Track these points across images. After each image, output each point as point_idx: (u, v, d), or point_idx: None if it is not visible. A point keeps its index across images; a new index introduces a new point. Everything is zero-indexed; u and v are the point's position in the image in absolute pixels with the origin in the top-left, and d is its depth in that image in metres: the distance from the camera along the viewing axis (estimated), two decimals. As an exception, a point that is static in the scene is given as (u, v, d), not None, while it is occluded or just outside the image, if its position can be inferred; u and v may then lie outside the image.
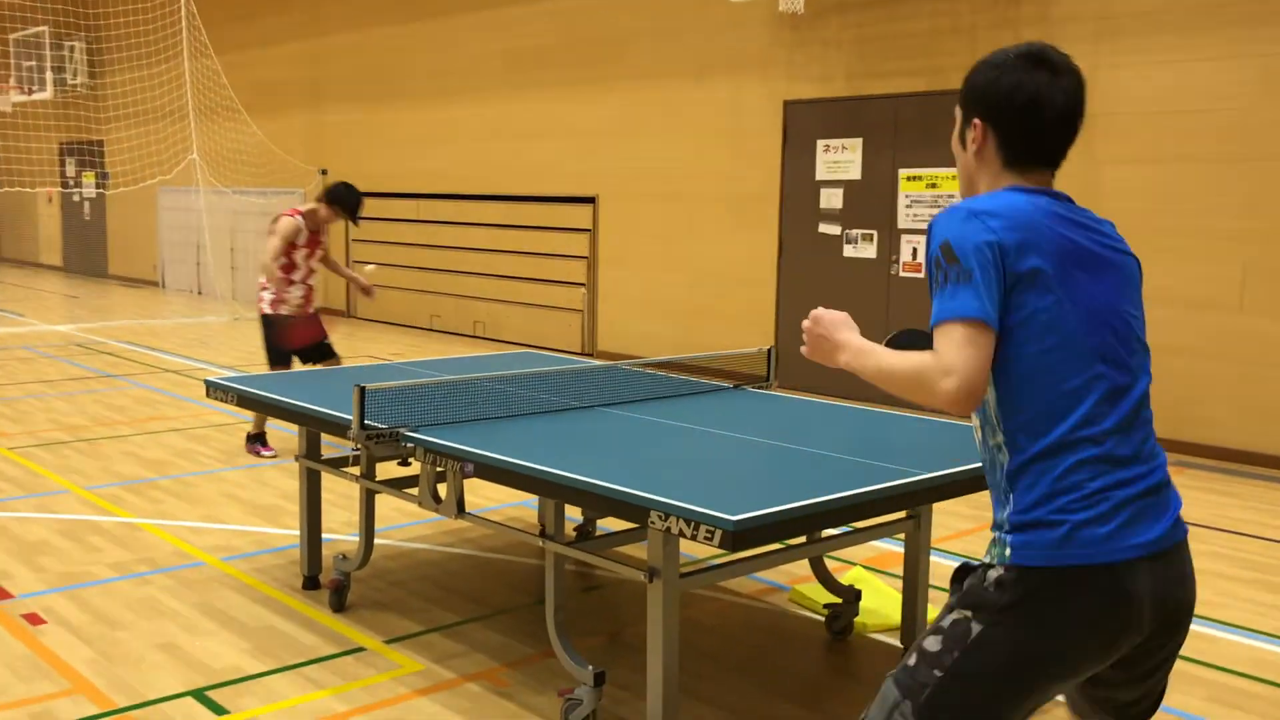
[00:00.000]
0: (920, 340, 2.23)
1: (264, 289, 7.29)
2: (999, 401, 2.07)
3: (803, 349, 2.32)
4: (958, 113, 2.25)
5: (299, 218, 7.18)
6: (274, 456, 7.16)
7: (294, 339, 7.30)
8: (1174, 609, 2.08)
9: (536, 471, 3.30)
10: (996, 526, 2.11)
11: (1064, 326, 2.03)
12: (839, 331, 2.27)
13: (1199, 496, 6.62)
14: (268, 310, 7.26)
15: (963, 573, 2.15)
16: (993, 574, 2.05)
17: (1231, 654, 4.30)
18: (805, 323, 2.32)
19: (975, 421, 2.16)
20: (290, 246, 7.14)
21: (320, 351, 7.43)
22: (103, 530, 5.59)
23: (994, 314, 1.99)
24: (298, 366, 7.31)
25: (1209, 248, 7.49)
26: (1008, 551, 2.04)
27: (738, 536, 2.77)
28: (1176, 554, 2.09)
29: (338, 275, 7.86)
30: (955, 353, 1.97)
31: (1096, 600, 1.99)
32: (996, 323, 2.00)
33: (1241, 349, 7.37)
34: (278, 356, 7.28)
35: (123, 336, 13.04)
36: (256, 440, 7.29)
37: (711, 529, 2.80)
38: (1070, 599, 1.99)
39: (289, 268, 7.18)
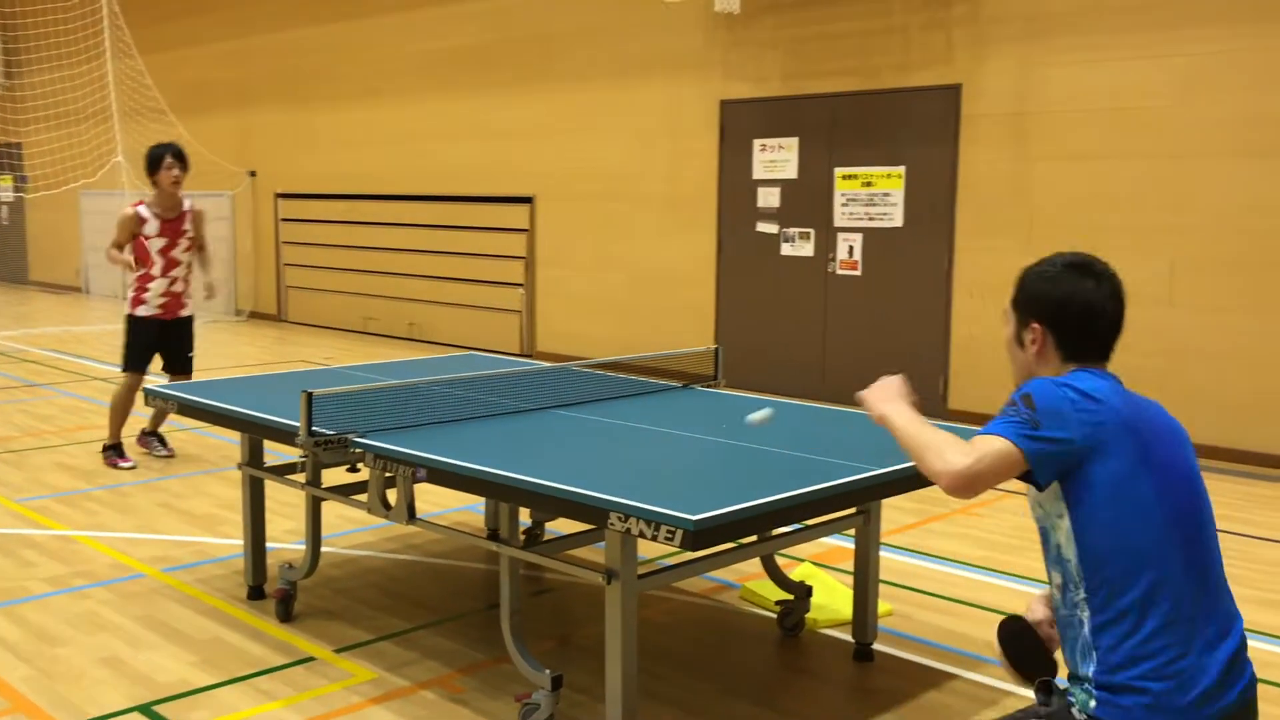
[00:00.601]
0: (1026, 637, 2.49)
1: (130, 287, 6.90)
2: (1081, 560, 2.26)
3: (860, 392, 2.62)
4: (1012, 314, 2.51)
5: (139, 207, 6.77)
6: (133, 468, 6.90)
7: (152, 342, 6.89)
8: None
9: (493, 476, 3.27)
10: (1079, 679, 2.28)
11: (1141, 492, 2.24)
12: (895, 390, 2.58)
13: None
14: (127, 309, 6.91)
15: (1046, 686, 2.35)
16: (1079, 715, 2.24)
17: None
18: (882, 380, 2.62)
19: (1056, 579, 2.34)
20: (138, 238, 6.74)
21: (177, 362, 7.05)
22: (36, 544, 5.44)
23: (1033, 459, 2.23)
24: (153, 377, 6.86)
25: (1138, 243, 7.67)
26: (1092, 704, 2.22)
27: (698, 536, 2.78)
28: (1248, 714, 2.26)
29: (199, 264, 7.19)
30: (984, 451, 2.23)
31: None
32: (1033, 468, 2.24)
33: (1171, 342, 7.56)
34: (131, 360, 6.88)
35: (46, 344, 12.71)
36: (113, 450, 6.98)
37: (672, 529, 2.80)
38: None
39: (144, 261, 6.77)
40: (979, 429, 2.32)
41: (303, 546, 4.56)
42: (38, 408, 8.93)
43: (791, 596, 4.40)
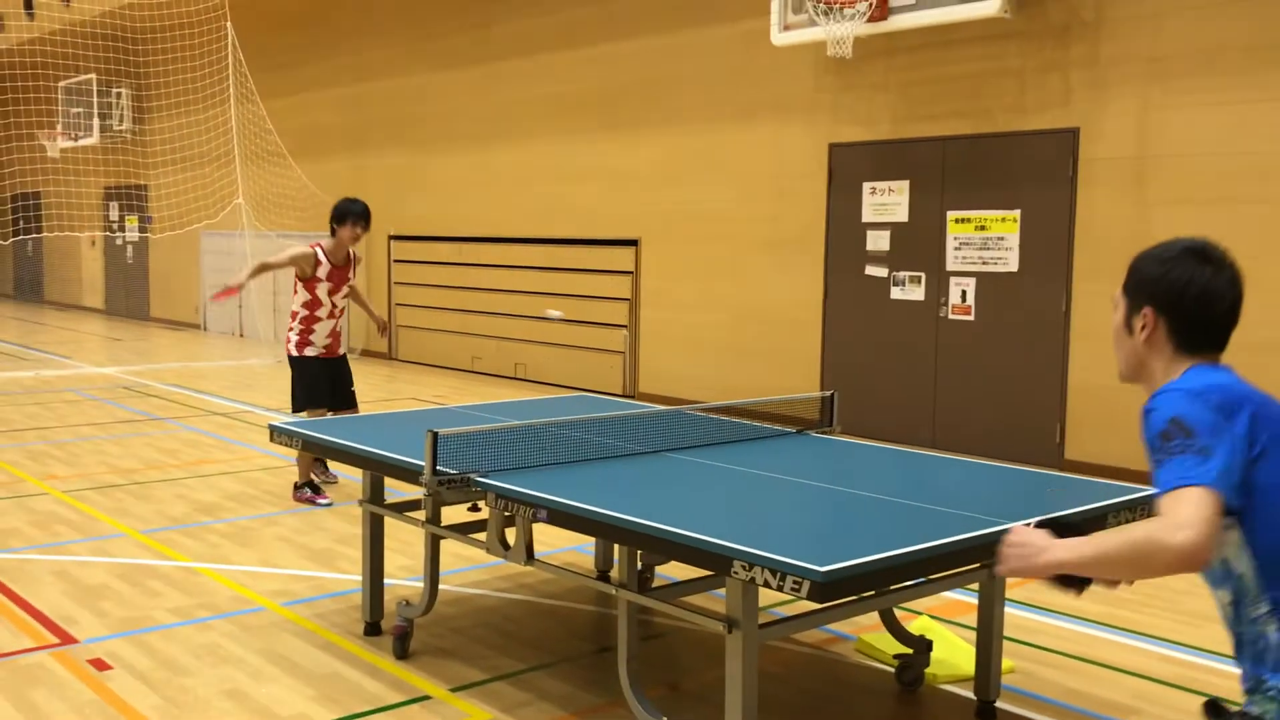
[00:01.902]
0: (1067, 530, 2.31)
1: (290, 329, 7.23)
2: (1259, 570, 2.14)
3: (998, 568, 2.33)
4: (1121, 299, 2.40)
5: (316, 249, 7.09)
6: (329, 504, 7.10)
7: (323, 376, 7.17)
8: None
9: (617, 520, 3.27)
10: (1267, 689, 2.15)
11: None
12: (1042, 538, 2.25)
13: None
14: (293, 352, 7.22)
15: (1216, 709, 2.22)
16: None
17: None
18: (1006, 538, 2.31)
19: (1225, 597, 2.22)
20: (312, 281, 7.06)
21: (342, 398, 7.29)
22: (161, 574, 5.60)
23: (1225, 486, 2.06)
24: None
25: (1267, 290, 7.40)
26: None
27: (826, 587, 2.74)
28: None
29: (358, 306, 7.65)
30: (1188, 511, 2.01)
31: None
32: (1229, 495, 2.07)
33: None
34: (309, 399, 7.16)
35: (168, 379, 13.16)
36: (306, 487, 7.21)
37: (799, 579, 2.76)
38: None
39: (313, 304, 7.11)
40: (1156, 490, 2.13)
41: (417, 583, 4.61)
42: (161, 441, 9.23)
43: (910, 650, 4.30)
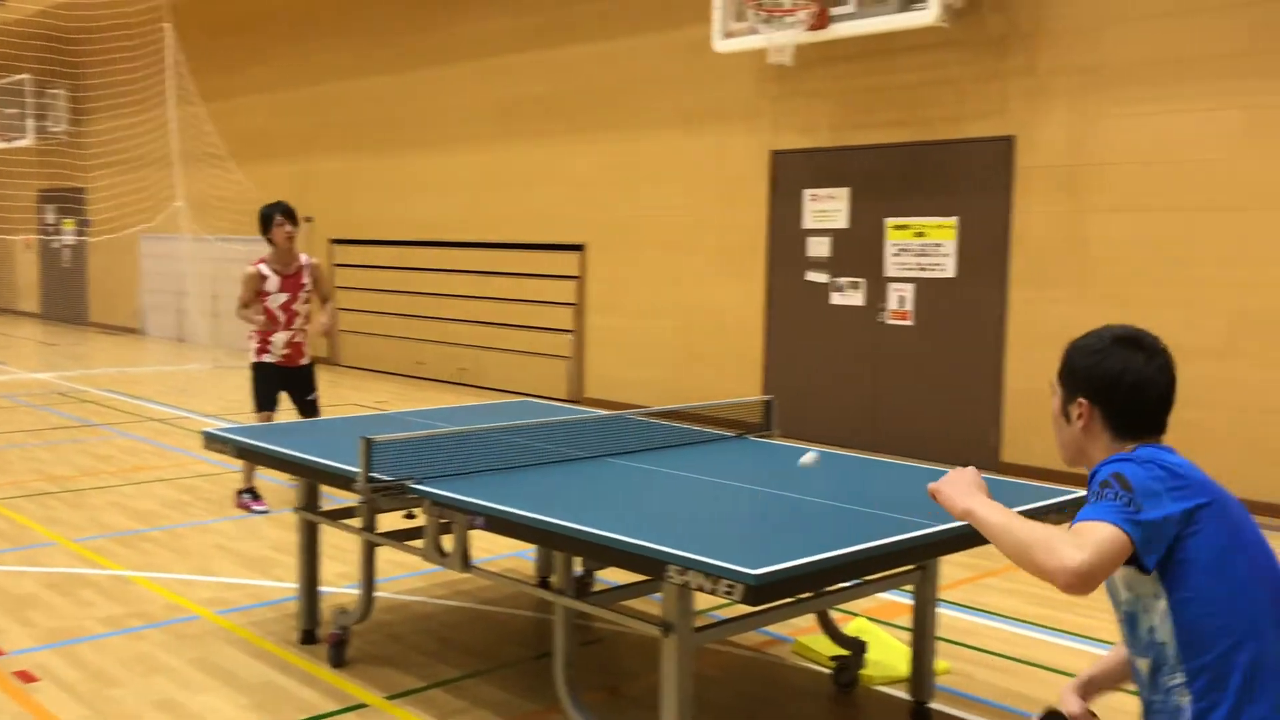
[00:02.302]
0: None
1: (250, 337, 7.23)
2: (1180, 641, 2.18)
3: (930, 484, 2.43)
4: (1057, 388, 2.44)
5: (259, 265, 7.06)
6: (266, 511, 7.02)
7: (276, 384, 7.17)
8: None
9: (552, 525, 3.27)
10: None
11: (1237, 568, 2.18)
12: (972, 481, 2.37)
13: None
14: (252, 358, 7.22)
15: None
16: None
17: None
18: (953, 471, 2.42)
19: (1145, 665, 2.28)
20: (260, 294, 7.03)
21: (301, 405, 7.28)
22: (93, 583, 5.50)
23: (1139, 544, 2.12)
24: (281, 415, 7.16)
25: (1196, 296, 7.57)
26: None
27: (759, 591, 2.76)
28: None
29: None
30: (1094, 540, 2.08)
31: None
32: (1142, 553, 2.13)
33: (1230, 396, 7.43)
34: (261, 402, 7.16)
35: (104, 385, 12.93)
36: (246, 493, 7.14)
37: (732, 583, 2.78)
38: None
39: (267, 316, 7.06)
40: (1076, 517, 2.21)
41: (354, 591, 4.57)
42: (96, 448, 9.07)
43: (847, 652, 4.35)
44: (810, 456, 3.27)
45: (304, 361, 7.28)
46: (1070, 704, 2.49)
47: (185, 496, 7.40)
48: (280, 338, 7.12)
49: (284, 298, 7.07)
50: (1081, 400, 2.37)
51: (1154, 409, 2.35)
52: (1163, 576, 2.19)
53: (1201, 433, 7.46)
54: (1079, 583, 2.04)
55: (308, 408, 7.30)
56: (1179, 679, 2.19)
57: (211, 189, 16.47)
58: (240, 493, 7.13)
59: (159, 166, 16.96)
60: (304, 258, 7.27)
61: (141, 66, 16.58)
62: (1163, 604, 2.20)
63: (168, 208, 16.37)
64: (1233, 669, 2.13)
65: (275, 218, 7.06)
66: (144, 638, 4.76)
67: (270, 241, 7.09)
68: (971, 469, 2.42)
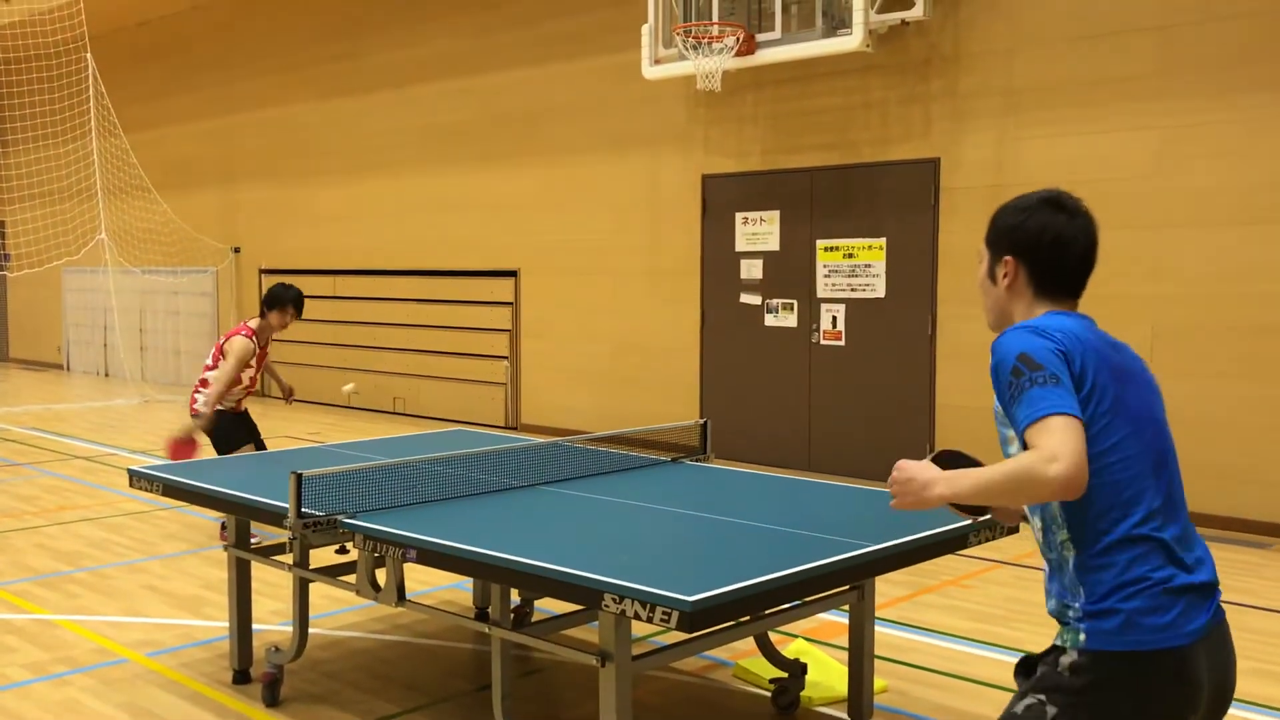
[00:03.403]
0: (960, 460, 2.43)
1: (198, 392, 7.07)
2: (1063, 502, 2.22)
3: (892, 503, 2.36)
4: (984, 251, 2.51)
5: (252, 339, 7.01)
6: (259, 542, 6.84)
7: (239, 430, 7.10)
8: (1223, 689, 2.26)
9: (485, 556, 3.24)
10: (1067, 616, 2.25)
11: (1118, 431, 2.23)
12: (925, 471, 2.30)
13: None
14: (203, 410, 6.95)
15: (1027, 664, 2.32)
16: (1066, 659, 2.21)
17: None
18: (892, 476, 2.35)
19: (1036, 522, 2.33)
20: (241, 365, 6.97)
21: (258, 444, 7.25)
22: (16, 629, 5.34)
23: (1079, 411, 2.16)
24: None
25: (1116, 312, 7.75)
26: (1081, 637, 2.20)
27: (695, 617, 2.76)
28: (1222, 636, 2.26)
29: (269, 376, 7.60)
30: (1057, 440, 2.10)
31: (1165, 682, 2.17)
32: (1082, 418, 2.17)
33: (1153, 409, 7.60)
34: (227, 446, 7.01)
35: (27, 422, 12.61)
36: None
37: (668, 610, 2.78)
38: (1141, 681, 2.16)
39: (235, 381, 6.99)
40: (1018, 424, 2.17)
41: (289, 628, 4.50)
42: (18, 488, 8.83)
43: (786, 674, 4.36)
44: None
45: (243, 407, 7.27)
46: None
47: (113, 536, 7.23)
48: (238, 392, 7.09)
49: (253, 370, 7.09)
50: (1007, 259, 2.44)
51: (1075, 266, 2.42)
52: None
53: (1127, 445, 7.63)
54: (1075, 488, 2.07)
55: (260, 446, 7.24)
56: (1065, 534, 2.25)
57: (136, 220, 16.20)
58: (225, 526, 6.94)
59: (82, 198, 16.65)
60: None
61: (62, 97, 16.27)
62: None
63: (91, 240, 16.06)
64: (1113, 523, 2.19)
65: (290, 308, 7.08)
66: (69, 683, 4.63)
67: (265, 317, 7.10)
68: (902, 463, 2.36)
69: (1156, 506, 2.23)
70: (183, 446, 6.90)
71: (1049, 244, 2.40)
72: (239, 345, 6.95)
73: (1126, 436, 2.24)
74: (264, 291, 14.92)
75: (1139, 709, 2.16)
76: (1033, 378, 2.18)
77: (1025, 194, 2.49)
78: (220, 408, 7.04)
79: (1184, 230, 7.54)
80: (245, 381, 7.09)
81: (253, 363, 7.05)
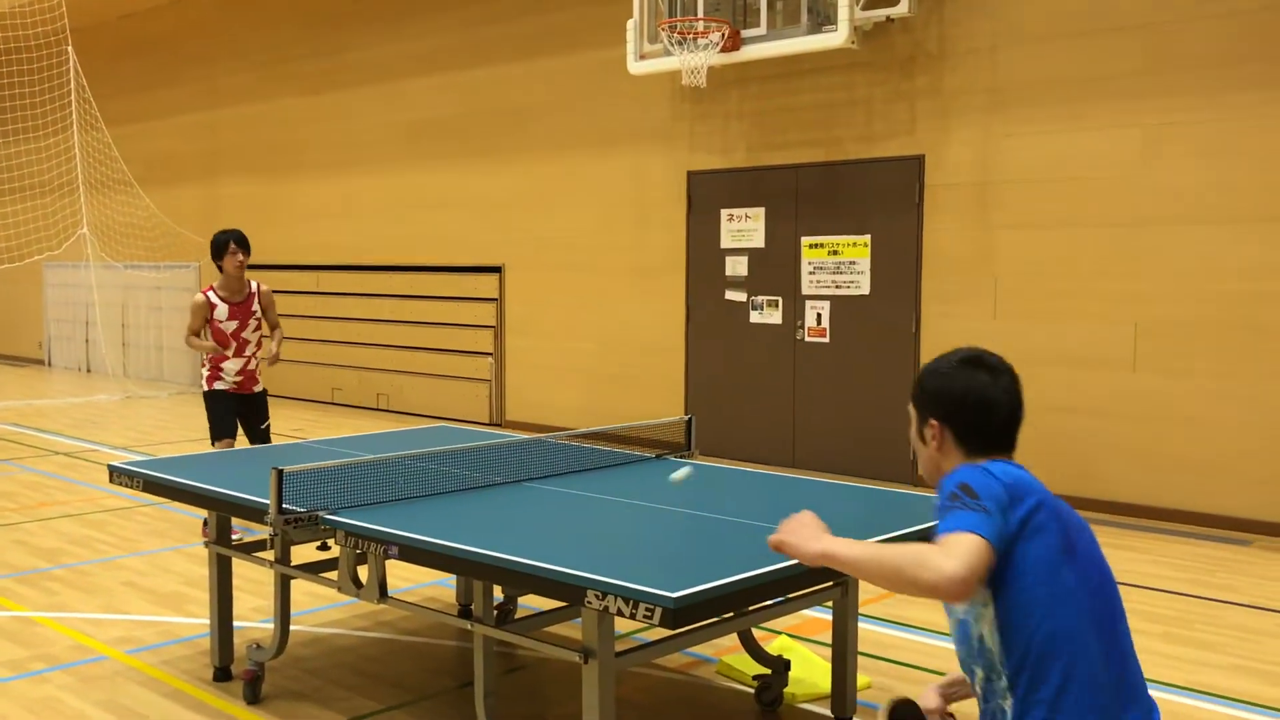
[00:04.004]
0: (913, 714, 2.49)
1: (202, 366, 7.18)
2: (1004, 647, 2.24)
3: (771, 538, 2.41)
4: (913, 412, 2.52)
5: (207, 293, 7.04)
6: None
7: (232, 409, 7.08)
8: None
9: (466, 553, 3.23)
10: None
11: (1063, 579, 2.23)
12: (819, 526, 2.40)
13: (1104, 551, 6.78)
14: (204, 386, 7.15)
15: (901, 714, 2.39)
16: None
17: (1150, 708, 4.38)
18: (793, 517, 2.44)
19: (980, 674, 2.32)
20: (213, 323, 6.98)
21: (255, 434, 7.19)
22: (-6, 626, 5.31)
23: (999, 545, 2.20)
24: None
25: (1101, 309, 7.77)
26: None
27: (678, 614, 2.75)
28: None
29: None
30: (961, 549, 2.14)
31: None
32: (998, 552, 2.20)
33: (1135, 406, 7.63)
34: (218, 429, 7.05)
35: (7, 418, 12.52)
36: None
37: (651, 607, 2.77)
38: None
39: (223, 344, 7.00)
40: (937, 534, 2.24)
41: (271, 625, 4.47)
42: (-3, 484, 8.77)
43: (769, 671, 4.35)
44: (682, 472, 3.15)
45: (257, 389, 7.24)
46: (930, 700, 2.53)
47: (93, 532, 7.19)
48: (232, 365, 7.06)
49: (233, 325, 7.02)
50: (933, 421, 2.46)
51: (1001, 426, 2.42)
52: (992, 583, 2.24)
53: (1109, 441, 7.65)
54: (962, 590, 2.10)
55: (260, 435, 7.21)
56: (1003, 683, 2.25)
57: (118, 215, 16.10)
58: (207, 523, 6.90)
59: (63, 192, 16.54)
60: (254, 284, 7.22)
61: (44, 90, 16.16)
62: (990, 611, 2.25)
63: (73, 235, 15.95)
64: (1050, 675, 2.18)
65: (229, 245, 7.03)
66: (48, 680, 4.59)
67: (220, 270, 7.07)
68: (808, 513, 2.44)
69: (1099, 662, 2.22)
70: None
71: (973, 406, 2.42)
72: (192, 303, 7.01)
73: (1074, 586, 2.24)
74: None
75: None
76: (966, 503, 2.22)
77: (948, 353, 2.51)
78: (220, 386, 7.06)
79: (1167, 227, 7.57)
80: (232, 345, 6.98)
81: (220, 317, 6.94)
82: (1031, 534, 2.23)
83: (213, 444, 7.13)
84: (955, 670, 2.53)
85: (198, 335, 7.06)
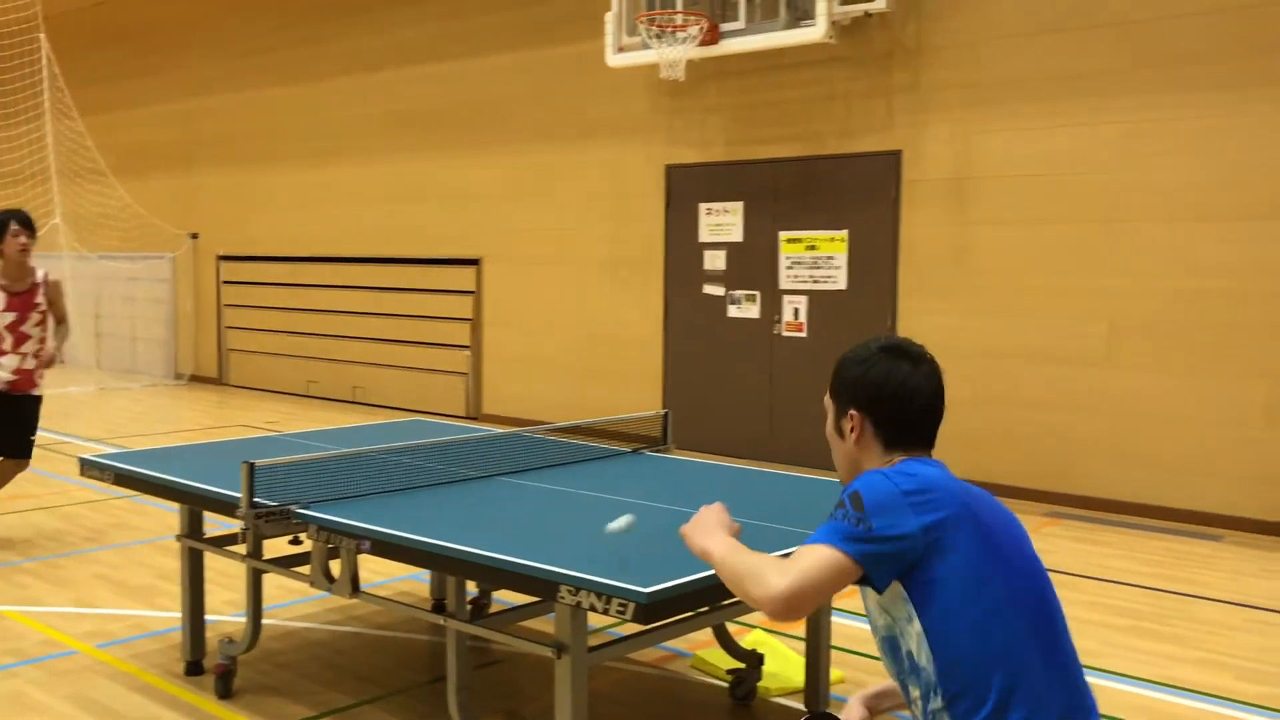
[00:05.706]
0: None
1: None
2: (937, 664, 2.12)
3: (682, 527, 2.41)
4: (830, 404, 2.43)
5: None
6: None
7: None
8: None
9: (439, 548, 3.21)
10: None
11: (991, 585, 2.13)
12: (718, 520, 2.39)
13: (1072, 546, 6.83)
14: None
15: None
16: None
17: (1117, 701, 4.41)
18: (708, 506, 2.43)
19: (916, 693, 2.21)
20: None
21: (12, 443, 6.42)
22: (-38, 620, 5.25)
23: (864, 565, 2.10)
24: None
25: (1076, 306, 7.81)
26: None
27: (650, 609, 2.75)
28: None
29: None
30: (805, 565, 2.08)
31: None
32: (868, 572, 2.12)
33: (1109, 402, 7.68)
34: None
35: (-22, 409, 12.38)
36: None
37: (624, 602, 2.76)
38: None
39: None
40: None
41: (243, 619, 4.44)
42: (-33, 476, 8.67)
43: (743, 665, 4.36)
44: (623, 521, 2.94)
45: (34, 392, 6.49)
46: (854, 712, 2.46)
47: (65, 525, 7.13)
48: (7, 362, 6.29)
49: (11, 317, 6.26)
50: (853, 412, 2.36)
51: (919, 417, 2.33)
52: (913, 597, 2.13)
53: (1083, 437, 7.70)
54: (782, 609, 2.04)
55: (20, 448, 6.47)
56: (940, 702, 2.13)
57: (92, 205, 15.95)
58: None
59: (35, 182, 16.37)
60: (40, 273, 6.49)
61: (15, 79, 15.98)
62: (916, 627, 2.14)
63: (45, 226, 15.78)
64: (989, 692, 2.07)
65: (10, 226, 6.25)
66: (16, 675, 4.55)
67: (1, 254, 6.28)
68: (718, 505, 2.40)
69: (1040, 669, 2.11)
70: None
71: (891, 395, 2.32)
72: None
73: (1002, 591, 2.13)
74: (220, 278, 14.79)
75: None
76: (845, 513, 2.14)
77: (866, 342, 2.41)
78: None
79: (1144, 225, 7.61)
80: (8, 338, 6.22)
81: (3, 313, 6.20)
82: (945, 542, 2.11)
83: None
84: (887, 680, 2.42)
85: None
